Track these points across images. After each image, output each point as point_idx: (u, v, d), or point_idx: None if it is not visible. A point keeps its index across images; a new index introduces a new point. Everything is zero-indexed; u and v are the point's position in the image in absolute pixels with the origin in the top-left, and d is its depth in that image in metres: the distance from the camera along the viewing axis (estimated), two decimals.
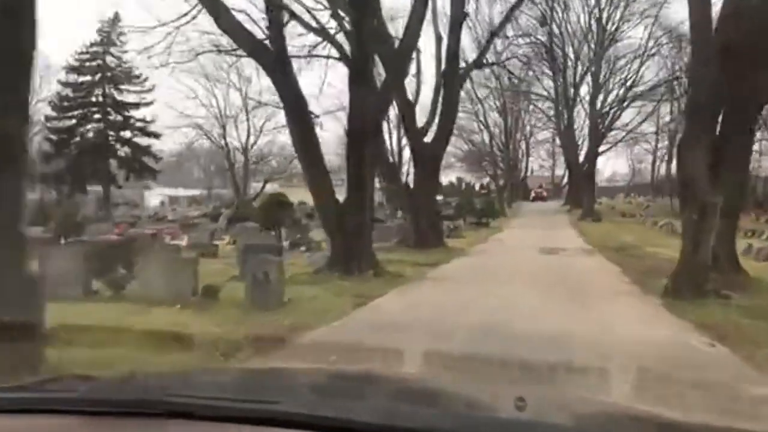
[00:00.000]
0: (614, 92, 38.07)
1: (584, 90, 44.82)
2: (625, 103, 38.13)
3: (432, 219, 18.52)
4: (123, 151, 41.16)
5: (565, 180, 76.67)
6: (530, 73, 44.13)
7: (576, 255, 19.12)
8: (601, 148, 40.88)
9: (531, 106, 53.58)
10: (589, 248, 21.47)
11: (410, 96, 20.36)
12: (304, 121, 11.97)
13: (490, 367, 4.40)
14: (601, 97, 39.40)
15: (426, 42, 48.23)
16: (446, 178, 74.21)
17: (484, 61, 24.29)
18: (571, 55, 41.82)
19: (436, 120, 19.97)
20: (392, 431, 1.26)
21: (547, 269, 14.15)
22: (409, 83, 21.74)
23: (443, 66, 19.42)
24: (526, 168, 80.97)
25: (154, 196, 59.69)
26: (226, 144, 53.57)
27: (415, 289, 11.15)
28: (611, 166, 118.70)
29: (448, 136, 19.70)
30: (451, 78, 19.01)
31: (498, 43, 35.24)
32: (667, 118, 64.37)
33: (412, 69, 23.27)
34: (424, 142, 18.85)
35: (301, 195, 58.31)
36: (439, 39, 19.53)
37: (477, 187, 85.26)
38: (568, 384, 4.13)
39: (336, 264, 11.66)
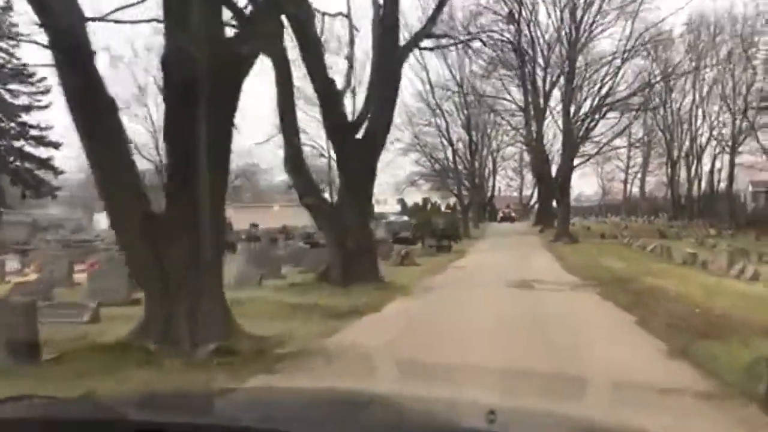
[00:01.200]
0: (589, 99, 33.77)
1: (555, 101, 40.90)
2: (602, 111, 33.80)
3: (364, 244, 13.42)
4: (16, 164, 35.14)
5: (534, 199, 72.87)
6: (496, 72, 39.96)
7: (560, 291, 14.23)
8: (576, 161, 36.38)
9: (497, 119, 49.25)
10: (574, 280, 16.63)
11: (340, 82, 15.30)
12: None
13: None
14: (574, 107, 35.02)
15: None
16: (411, 198, 69.83)
17: (439, 42, 19.56)
18: (541, 61, 37.60)
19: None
20: None
21: (526, 325, 9.15)
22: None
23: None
24: (493, 187, 76.77)
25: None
26: (161, 159, 48.08)
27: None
28: (578, 185, 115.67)
29: (385, 132, 14.70)
30: (388, 54, 14.10)
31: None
32: (640, 133, 61.63)
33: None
34: (355, 140, 13.79)
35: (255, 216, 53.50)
36: (377, 6, 14.58)
37: (444, 208, 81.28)
38: None
39: (147, 334, 6.42)
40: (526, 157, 75.25)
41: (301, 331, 8.19)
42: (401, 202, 78.43)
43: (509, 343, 7.54)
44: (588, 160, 41.17)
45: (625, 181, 72.11)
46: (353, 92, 16.58)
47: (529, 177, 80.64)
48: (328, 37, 15.91)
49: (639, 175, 67.34)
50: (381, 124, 14.00)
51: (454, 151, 42.95)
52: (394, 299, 11.70)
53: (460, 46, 39.79)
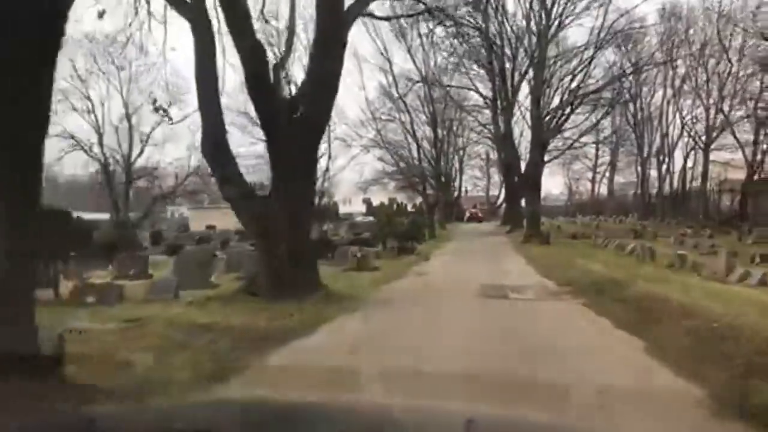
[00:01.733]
0: (560, 91, 31.75)
1: (523, 96, 38.96)
2: (573, 104, 31.82)
3: (300, 247, 10.85)
4: None
5: (502, 198, 71.14)
6: (462, 65, 37.84)
7: (539, 300, 11.94)
8: (546, 158, 34.34)
9: (464, 115, 47.21)
10: (551, 286, 14.39)
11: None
12: None
13: None
14: (544, 99, 32.96)
15: None
16: (378, 198, 67.67)
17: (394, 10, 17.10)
18: (509, 51, 35.51)
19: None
20: None
21: (508, 358, 6.70)
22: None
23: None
24: (460, 187, 74.84)
25: None
26: (105, 157, 44.81)
27: None
28: (544, 185, 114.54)
29: (327, 111, 12.12)
30: (331, 18, 11.57)
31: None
32: (608, 131, 60.23)
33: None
34: (290, 121, 11.21)
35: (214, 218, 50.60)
36: None
37: (411, 208, 79.22)
38: None
39: None
40: (494, 156, 74.36)
41: (182, 375, 5.62)
42: (367, 202, 76.33)
43: (485, 393, 5.07)
44: (560, 155, 39.26)
45: (593, 180, 71.02)
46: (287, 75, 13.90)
47: (496, 178, 79.34)
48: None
49: (607, 174, 66.15)
50: (322, 102, 11.47)
51: (419, 148, 40.70)
52: (333, 318, 9.16)
53: (425, 37, 37.81)
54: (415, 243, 27.90)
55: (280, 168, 11.06)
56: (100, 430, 1.44)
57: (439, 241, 35.34)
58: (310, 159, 11.32)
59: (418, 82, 37.22)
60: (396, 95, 39.68)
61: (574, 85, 32.77)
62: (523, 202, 44.88)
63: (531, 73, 34.98)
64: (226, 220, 58.06)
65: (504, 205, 76.37)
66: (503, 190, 61.90)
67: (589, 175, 72.89)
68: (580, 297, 12.26)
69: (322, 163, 41.94)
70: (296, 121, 11.01)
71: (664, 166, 47.14)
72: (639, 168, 51.13)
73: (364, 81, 40.84)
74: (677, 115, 45.67)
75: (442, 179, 51.40)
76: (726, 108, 38.32)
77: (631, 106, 46.25)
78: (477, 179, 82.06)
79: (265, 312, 9.09)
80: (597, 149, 68.90)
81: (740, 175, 39.20)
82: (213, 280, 14.51)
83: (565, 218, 63.38)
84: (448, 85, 40.72)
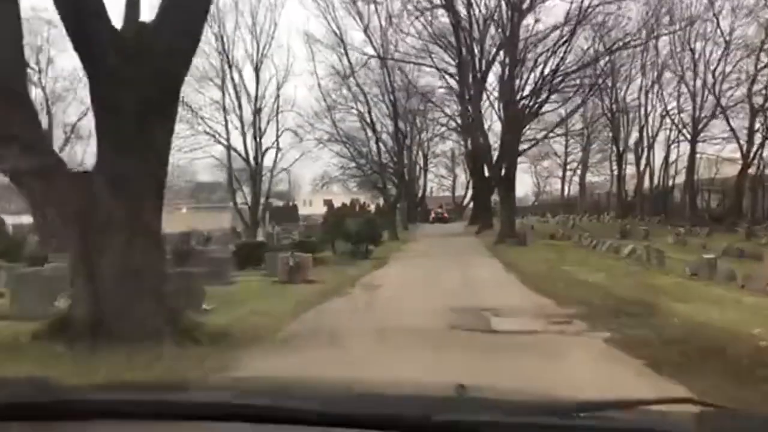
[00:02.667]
0: (536, 73, 27.72)
1: (492, 85, 35.04)
2: (549, 87, 27.89)
3: (142, 263, 6.34)
4: None
5: (469, 197, 67.36)
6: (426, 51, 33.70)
7: (540, 335, 7.71)
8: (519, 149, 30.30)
9: (429, 106, 43.11)
10: (548, 306, 10.20)
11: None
12: None
13: None
14: (518, 82, 28.93)
15: None
16: (339, 200, 63.46)
17: None
18: (477, 32, 31.43)
19: None
20: (340, 418, 1.29)
21: None
22: None
23: None
24: (425, 186, 70.82)
25: None
26: None
27: None
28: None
29: (183, 55, 7.45)
30: None
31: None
32: (579, 125, 56.91)
33: None
34: (129, 59, 6.67)
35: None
36: None
37: (374, 209, 75.19)
38: None
39: None
40: (460, 152, 70.59)
41: None
42: (328, 203, 72.23)
43: None
44: (535, 144, 35.32)
45: (563, 178, 67.75)
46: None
47: (463, 178, 75.49)
48: None
49: (578, 171, 62.89)
50: (177, 33, 6.95)
51: (378, 140, 36.38)
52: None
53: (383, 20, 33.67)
54: (371, 245, 23.64)
55: (108, 132, 6.50)
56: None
57: (401, 244, 31.13)
58: (159, 121, 6.72)
59: (372, 57, 32.82)
60: (350, 78, 35.29)
61: (553, 62, 28.81)
62: (491, 201, 41.27)
63: (502, 55, 31.15)
64: (172, 221, 53.20)
65: (471, 204, 73.41)
66: (470, 187, 58.03)
67: (558, 172, 69.80)
68: (598, 327, 8.11)
69: (269, 157, 37.67)
70: (135, 60, 6.54)
71: (643, 161, 43.68)
72: (614, 163, 47.71)
73: (316, 65, 36.17)
74: (657, 105, 42.35)
75: (406, 177, 47.25)
76: (717, 91, 34.83)
77: (606, 97, 42.71)
78: (443, 177, 78.26)
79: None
80: (566, 146, 65.91)
81: (729, 169, 36.06)
82: (59, 304, 9.93)
83: (535, 218, 59.89)
84: (408, 61, 36.55)
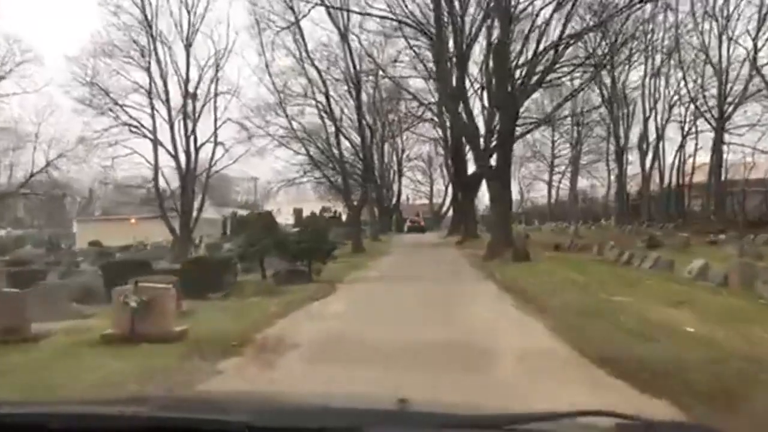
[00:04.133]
0: (536, 34, 21.37)
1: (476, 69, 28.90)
2: (559, 50, 21.54)
3: None
4: None
5: (449, 201, 61.07)
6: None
7: None
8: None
9: (402, 93, 36.81)
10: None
11: None
12: None
13: None
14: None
15: None
16: (308, 207, 55.35)
17: None
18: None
19: None
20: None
21: None
22: None
23: None
24: (399, 192, 64.32)
25: None
26: None
27: None
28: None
29: None
30: None
31: None
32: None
33: None
34: None
35: None
36: None
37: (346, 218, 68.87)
38: None
39: None
40: (437, 155, 64.29)
41: None
42: (297, 211, 66.37)
43: None
44: (536, 126, 29.07)
45: (550, 183, 61.76)
46: None
47: (440, 184, 69.15)
48: None
49: (568, 174, 56.98)
50: None
51: (338, 131, 29.73)
52: None
53: None
54: (322, 263, 17.10)
55: None
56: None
57: (366, 258, 24.67)
58: None
59: (319, 4, 26.13)
60: (305, 59, 28.76)
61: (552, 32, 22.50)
62: (481, 205, 35.04)
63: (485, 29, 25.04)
64: (119, 232, 46.26)
65: (450, 212, 67.04)
66: (450, 191, 51.57)
67: (543, 177, 63.93)
68: None
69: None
70: None
71: (649, 158, 37.71)
72: (613, 162, 41.79)
73: (263, 42, 29.55)
74: (667, 91, 36.49)
75: (376, 179, 40.83)
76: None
77: (603, 86, 36.80)
78: (419, 183, 71.69)
79: None
80: (553, 146, 60.07)
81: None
82: None
83: (522, 226, 53.76)
84: (371, 14, 30.22)
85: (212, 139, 30.62)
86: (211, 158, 30.71)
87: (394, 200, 62.29)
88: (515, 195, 74.85)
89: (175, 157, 29.63)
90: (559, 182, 61.17)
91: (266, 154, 32.48)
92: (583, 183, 60.70)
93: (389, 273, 18.42)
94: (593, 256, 18.97)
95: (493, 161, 21.06)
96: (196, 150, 30.40)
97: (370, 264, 22.37)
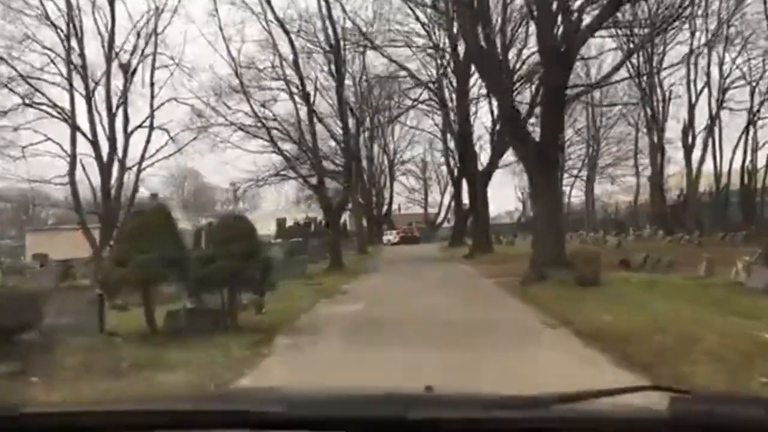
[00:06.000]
0: None
1: None
2: None
3: None
4: None
5: (449, 205, 53.86)
6: None
7: None
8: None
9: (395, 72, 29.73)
10: None
11: None
12: None
13: None
14: None
15: None
16: (291, 216, 51.06)
17: None
18: None
19: None
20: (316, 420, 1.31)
21: None
22: None
23: None
24: (391, 199, 56.96)
25: None
26: None
27: None
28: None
29: None
30: None
31: None
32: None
33: None
34: None
35: None
36: None
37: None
38: None
39: None
40: (432, 158, 57.12)
41: None
42: (280, 222, 59.34)
43: None
44: (586, 91, 21.93)
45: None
46: None
47: (436, 194, 61.85)
48: None
49: (583, 178, 49.91)
50: None
51: (311, 111, 22.37)
52: None
53: None
54: (261, 294, 9.82)
55: None
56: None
57: (342, 281, 17.53)
58: None
59: None
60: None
61: None
62: (487, 210, 27.73)
63: None
64: (72, 243, 39.16)
65: (445, 222, 59.88)
66: (449, 190, 43.97)
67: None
68: None
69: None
70: None
71: (695, 153, 30.74)
72: (647, 158, 34.80)
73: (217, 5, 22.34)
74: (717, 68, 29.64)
75: (363, 178, 33.58)
76: None
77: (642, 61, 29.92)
78: (414, 191, 64.24)
79: None
80: (563, 151, 53.00)
81: None
82: None
83: (522, 236, 46.73)
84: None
85: (147, 123, 23.27)
86: (145, 146, 23.35)
87: (385, 207, 55.16)
88: (512, 203, 68.45)
89: (94, 143, 22.22)
90: (571, 187, 54.35)
91: (229, 148, 25.14)
92: (598, 189, 54.00)
93: (372, 310, 11.19)
94: (695, 277, 11.93)
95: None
96: (127, 135, 23.07)
97: (347, 289, 15.16)
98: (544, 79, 13.63)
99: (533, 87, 21.15)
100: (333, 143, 27.70)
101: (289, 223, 53.72)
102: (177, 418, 1.36)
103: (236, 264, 8.66)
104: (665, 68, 30.74)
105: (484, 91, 27.23)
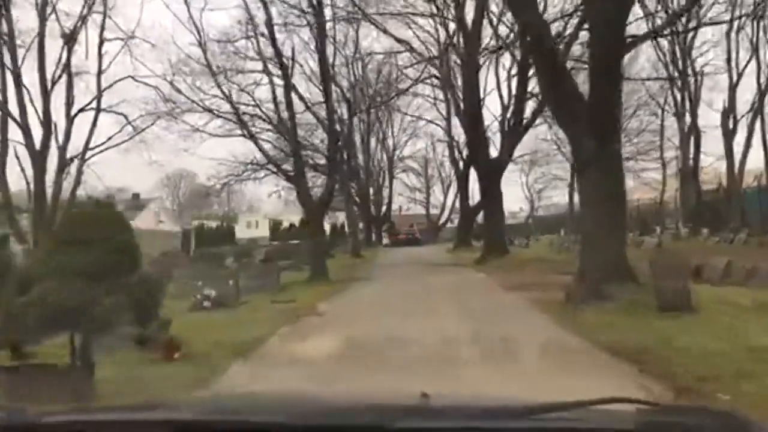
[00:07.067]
0: None
1: None
2: None
3: None
4: None
5: (449, 206, 49.77)
6: None
7: None
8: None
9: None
10: None
11: None
12: None
13: None
14: None
15: None
16: (288, 218, 49.03)
17: None
18: None
19: None
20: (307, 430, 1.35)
21: None
22: None
23: None
24: (390, 198, 52.62)
25: None
26: None
27: None
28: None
29: None
30: None
31: None
32: None
33: None
34: None
35: None
36: None
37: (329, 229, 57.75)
38: None
39: None
40: (434, 154, 52.92)
41: None
42: (274, 224, 56.89)
43: None
44: (654, 36, 17.81)
45: (572, 185, 50.41)
46: None
47: (438, 193, 57.53)
48: None
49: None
50: None
51: (288, 86, 18.24)
52: None
53: None
54: (146, 336, 5.80)
55: None
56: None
57: (325, 293, 13.69)
58: None
59: None
60: None
61: None
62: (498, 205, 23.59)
63: None
64: None
65: (452, 220, 55.68)
66: (454, 188, 39.69)
67: (555, 183, 53.04)
68: None
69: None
70: None
71: (738, 140, 26.68)
72: (676, 149, 30.77)
73: None
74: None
75: (353, 166, 29.44)
76: None
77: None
78: (416, 190, 59.90)
79: None
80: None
81: None
82: None
83: (536, 237, 42.58)
84: None
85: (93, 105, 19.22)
86: (91, 130, 19.29)
87: (384, 207, 50.92)
88: (518, 203, 64.36)
89: (23, 128, 18.17)
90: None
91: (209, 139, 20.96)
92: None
93: (351, 352, 7.07)
94: None
95: None
96: (69, 119, 19.06)
97: (324, 310, 11.13)
98: (596, 15, 9.55)
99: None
100: (324, 135, 23.72)
101: (285, 225, 50.22)
102: (181, 427, 1.39)
103: (81, 289, 4.66)
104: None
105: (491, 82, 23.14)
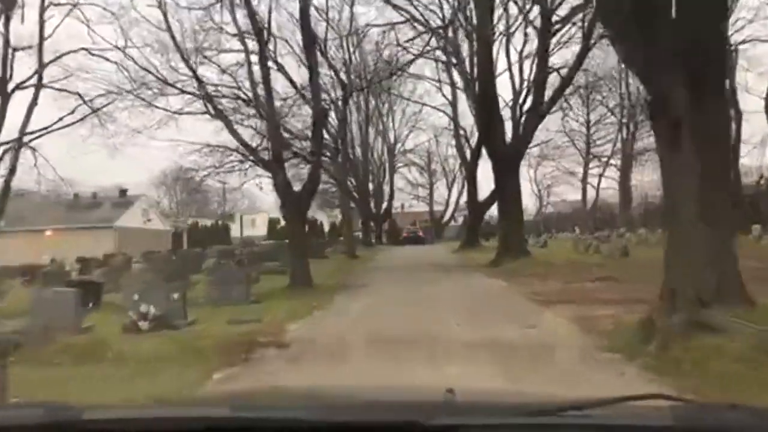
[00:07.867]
0: None
1: None
2: None
3: None
4: None
5: (454, 206, 46.64)
6: None
7: None
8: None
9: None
10: None
11: None
12: None
13: None
14: None
15: None
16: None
17: None
18: None
19: None
20: (335, 426, 1.32)
21: None
22: None
23: None
24: (392, 195, 49.34)
25: None
26: None
27: None
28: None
29: None
30: None
31: None
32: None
33: None
34: None
35: None
36: None
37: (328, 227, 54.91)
38: None
39: None
40: (437, 148, 49.61)
41: None
42: (271, 221, 54.46)
43: None
44: None
45: (584, 180, 47.30)
46: None
47: (442, 189, 54.28)
48: None
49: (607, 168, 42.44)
50: None
51: (263, 55, 15.00)
52: None
53: None
54: None
55: None
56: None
57: (303, 307, 10.70)
58: None
59: None
60: None
61: None
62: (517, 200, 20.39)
63: None
64: (31, 247, 34.95)
65: (456, 218, 52.57)
66: (458, 184, 36.47)
67: (565, 178, 49.78)
68: None
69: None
70: None
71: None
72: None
73: None
74: None
75: (344, 150, 26.22)
76: None
77: None
78: (419, 186, 56.69)
79: None
80: (588, 129, 45.63)
81: None
82: None
83: (548, 235, 39.44)
84: None
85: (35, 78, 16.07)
86: (29, 109, 16.15)
87: (385, 204, 47.68)
88: (526, 200, 60.76)
89: None
90: (600, 177, 46.88)
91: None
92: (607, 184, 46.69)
93: None
94: None
95: None
96: (5, 96, 15.96)
97: (293, 337, 8.08)
98: None
99: None
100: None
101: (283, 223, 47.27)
102: (216, 424, 1.38)
103: None
104: None
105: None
